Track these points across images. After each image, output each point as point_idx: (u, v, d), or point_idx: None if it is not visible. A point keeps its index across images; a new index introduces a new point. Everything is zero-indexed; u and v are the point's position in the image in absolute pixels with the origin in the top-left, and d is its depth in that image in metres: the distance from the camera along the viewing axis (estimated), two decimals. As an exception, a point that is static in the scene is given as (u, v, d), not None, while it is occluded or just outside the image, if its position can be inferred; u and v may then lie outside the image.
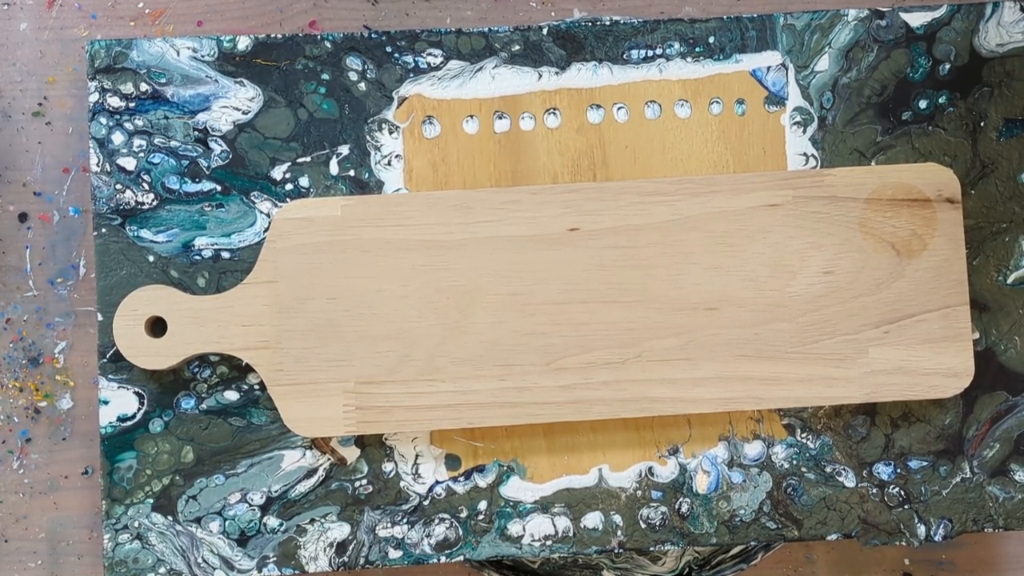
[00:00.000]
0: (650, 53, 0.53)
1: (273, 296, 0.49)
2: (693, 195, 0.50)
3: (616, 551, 0.52)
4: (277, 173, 0.52)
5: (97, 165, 0.51)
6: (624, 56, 0.53)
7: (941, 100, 0.53)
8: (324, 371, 0.49)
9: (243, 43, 0.52)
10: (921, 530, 0.52)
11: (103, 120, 0.51)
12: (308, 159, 0.52)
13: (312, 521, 0.51)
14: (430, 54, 0.52)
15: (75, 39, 0.54)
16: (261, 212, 0.52)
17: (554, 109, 0.53)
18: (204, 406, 0.51)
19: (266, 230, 0.51)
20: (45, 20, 0.54)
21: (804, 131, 0.53)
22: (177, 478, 0.51)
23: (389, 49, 0.52)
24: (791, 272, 0.50)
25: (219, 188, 0.52)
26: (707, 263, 0.50)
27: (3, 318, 0.53)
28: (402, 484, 0.51)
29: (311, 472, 0.51)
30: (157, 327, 0.50)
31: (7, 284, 0.53)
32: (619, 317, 0.50)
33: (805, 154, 0.53)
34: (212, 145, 0.52)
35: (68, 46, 0.54)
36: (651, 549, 0.53)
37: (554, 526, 0.51)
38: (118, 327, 0.49)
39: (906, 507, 0.52)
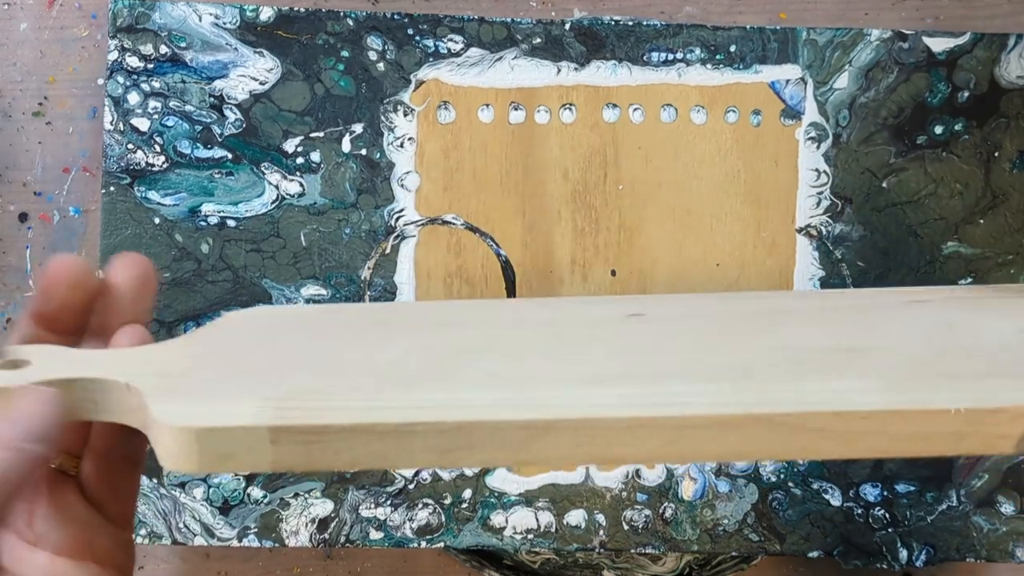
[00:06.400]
0: (671, 57, 0.53)
1: (185, 357, 0.32)
2: (798, 298, 0.40)
3: (596, 550, 0.52)
4: (289, 146, 0.52)
5: (111, 123, 0.51)
6: (644, 58, 0.53)
7: (957, 127, 0.53)
8: (245, 385, 0.30)
9: (266, 14, 0.52)
10: (903, 554, 0.52)
11: (120, 79, 0.51)
12: (321, 135, 0.52)
13: (296, 495, 0.51)
14: (451, 40, 0.52)
15: (75, 39, 0.54)
16: (270, 183, 0.52)
17: (570, 104, 0.53)
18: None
19: (274, 201, 0.51)
20: (45, 20, 0.53)
21: (818, 147, 0.53)
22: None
23: (411, 31, 0.52)
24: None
25: (230, 156, 0.52)
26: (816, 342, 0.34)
27: (3, 318, 0.53)
28: (388, 466, 0.51)
29: (299, 447, 0.51)
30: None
31: (7, 284, 0.53)
32: (691, 398, 0.32)
33: (817, 170, 0.53)
34: (227, 113, 0.52)
35: (68, 46, 0.53)
36: (632, 551, 0.52)
37: (537, 520, 0.51)
38: None
39: (890, 530, 0.52)
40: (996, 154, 0.53)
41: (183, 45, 0.52)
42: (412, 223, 0.52)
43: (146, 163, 0.51)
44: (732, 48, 0.53)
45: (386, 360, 0.32)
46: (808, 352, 0.32)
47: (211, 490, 0.50)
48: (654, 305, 0.38)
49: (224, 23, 0.52)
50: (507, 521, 0.51)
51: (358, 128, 0.52)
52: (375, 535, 0.51)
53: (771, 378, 0.30)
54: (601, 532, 0.51)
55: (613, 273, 0.53)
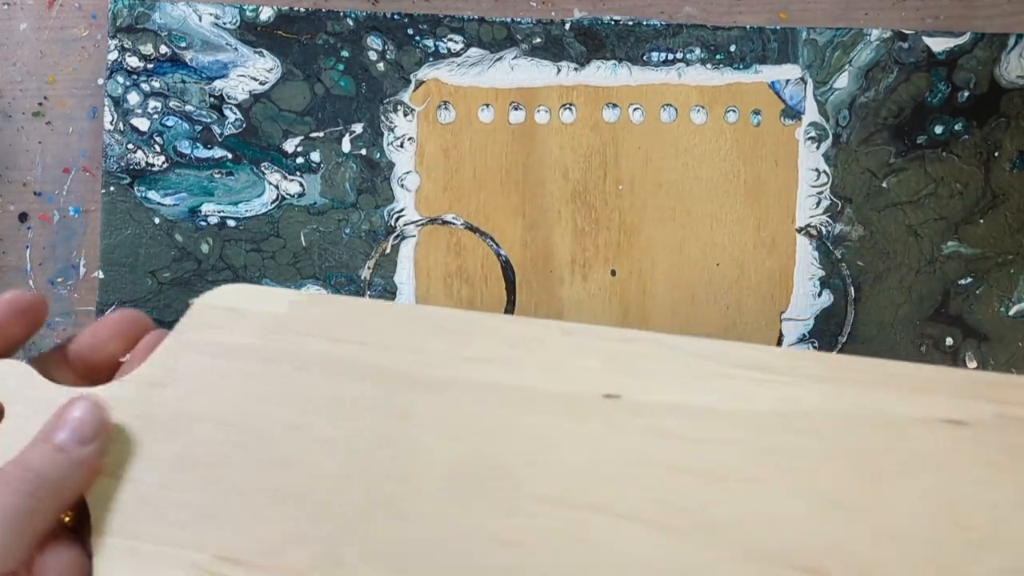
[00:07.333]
0: (671, 56, 0.53)
1: (152, 405, 0.33)
2: (819, 381, 0.30)
3: None
4: (289, 146, 0.52)
5: (111, 123, 0.51)
6: (644, 57, 0.53)
7: (957, 127, 0.53)
8: (174, 527, 0.31)
9: (265, 14, 0.52)
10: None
11: (120, 79, 0.51)
12: (321, 135, 0.52)
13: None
14: (451, 40, 0.52)
15: (75, 39, 0.54)
16: (270, 183, 0.52)
17: (570, 104, 0.53)
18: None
19: (273, 201, 0.51)
20: (45, 20, 0.53)
21: (818, 147, 0.53)
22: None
23: (411, 31, 0.52)
24: (974, 538, 0.28)
25: (230, 156, 0.52)
26: (822, 493, 0.29)
27: (1, 318, 0.53)
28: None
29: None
30: None
31: (7, 284, 0.53)
32: (652, 549, 0.29)
33: (817, 170, 0.53)
34: (227, 113, 0.52)
35: (68, 46, 0.53)
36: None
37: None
38: None
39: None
40: (996, 154, 0.53)
41: (183, 45, 0.52)
42: (412, 223, 0.52)
43: (146, 163, 0.51)
44: (732, 48, 0.53)
45: (318, 493, 0.31)
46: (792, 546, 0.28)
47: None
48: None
49: (224, 23, 0.52)
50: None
51: (358, 128, 0.52)
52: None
53: None
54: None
55: (613, 273, 0.53)
